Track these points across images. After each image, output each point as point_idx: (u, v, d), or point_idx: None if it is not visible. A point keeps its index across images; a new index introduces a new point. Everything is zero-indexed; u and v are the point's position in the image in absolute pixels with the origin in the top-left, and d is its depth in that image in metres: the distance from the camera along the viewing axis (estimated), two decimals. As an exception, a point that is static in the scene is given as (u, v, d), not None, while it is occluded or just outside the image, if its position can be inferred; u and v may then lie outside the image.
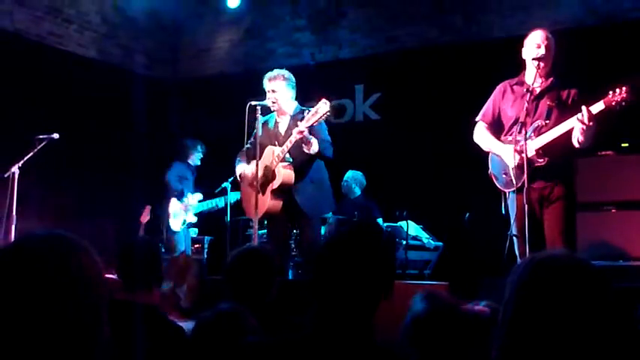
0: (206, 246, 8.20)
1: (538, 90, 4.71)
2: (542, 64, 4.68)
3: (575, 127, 4.44)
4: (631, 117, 4.88)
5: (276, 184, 5.34)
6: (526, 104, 4.58)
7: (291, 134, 5.25)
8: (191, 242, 8.00)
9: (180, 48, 10.17)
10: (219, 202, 7.54)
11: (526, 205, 4.45)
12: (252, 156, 5.47)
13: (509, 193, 4.77)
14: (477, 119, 5.02)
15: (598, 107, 4.40)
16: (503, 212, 4.78)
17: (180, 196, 7.70)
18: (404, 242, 6.80)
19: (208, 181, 7.84)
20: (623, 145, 5.86)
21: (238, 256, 3.18)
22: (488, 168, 4.92)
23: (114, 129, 8.82)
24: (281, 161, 5.32)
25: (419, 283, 5.37)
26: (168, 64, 10.13)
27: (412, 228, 6.98)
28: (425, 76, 8.24)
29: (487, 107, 4.98)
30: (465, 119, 6.63)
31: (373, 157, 7.96)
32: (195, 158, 7.98)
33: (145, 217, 8.00)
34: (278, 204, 5.39)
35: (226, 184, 7.24)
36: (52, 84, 8.21)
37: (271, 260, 3.16)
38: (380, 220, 7.36)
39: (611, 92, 4.40)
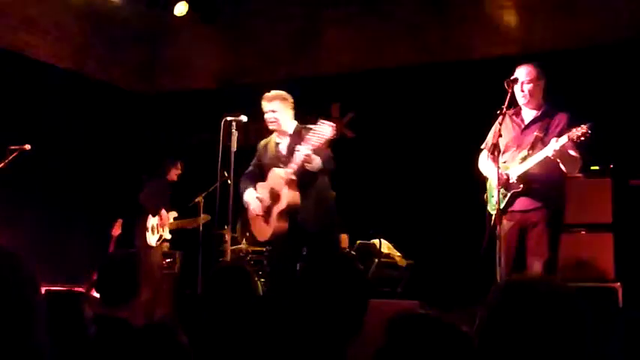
0: (179, 261, 8.17)
1: (528, 121, 5.03)
2: (528, 99, 5.00)
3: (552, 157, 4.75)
4: (598, 142, 5.01)
5: (281, 206, 5.30)
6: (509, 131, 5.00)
7: (294, 154, 5.24)
8: (163, 257, 7.97)
9: (158, 62, 10.16)
10: None
11: (501, 228, 4.78)
12: (257, 180, 5.48)
13: (494, 216, 4.96)
14: (481, 147, 5.23)
15: (562, 141, 4.70)
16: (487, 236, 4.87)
17: (155, 212, 7.69)
18: (376, 260, 6.83)
19: (182, 196, 7.84)
20: (592, 168, 5.99)
21: (216, 273, 3.18)
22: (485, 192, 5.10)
23: (88, 141, 8.78)
24: (287, 184, 5.27)
25: (390, 301, 5.40)
26: (146, 77, 10.12)
27: (384, 246, 7.02)
28: (401, 95, 8.33)
29: (489, 136, 5.19)
30: (439, 139, 6.75)
31: (347, 175, 7.99)
32: (173, 175, 7.97)
33: (117, 231, 7.98)
34: (284, 226, 5.34)
35: (201, 200, 7.24)
36: (27, 94, 8.17)
37: (249, 278, 3.16)
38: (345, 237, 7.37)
39: (574, 128, 4.68)
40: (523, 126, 5.06)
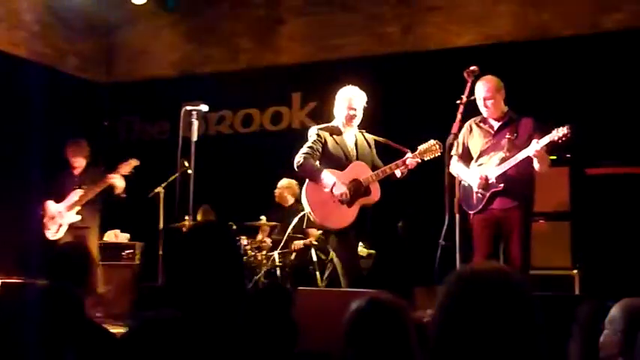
0: (139, 252, 8.09)
1: (497, 127, 5.34)
2: (492, 110, 5.30)
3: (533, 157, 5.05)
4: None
5: (371, 200, 5.50)
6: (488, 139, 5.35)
7: (362, 150, 5.60)
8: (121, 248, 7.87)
9: (115, 50, 10.03)
10: None
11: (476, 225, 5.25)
12: (335, 167, 5.47)
13: (473, 214, 5.33)
14: (451, 153, 5.38)
15: (544, 142, 4.98)
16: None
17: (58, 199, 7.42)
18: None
19: (141, 186, 7.75)
20: (550, 157, 6.07)
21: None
22: (457, 194, 5.23)
23: (43, 130, 8.63)
24: (376, 180, 5.51)
25: (353, 291, 5.41)
26: (102, 66, 9.99)
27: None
28: (362, 86, 8.33)
29: (458, 142, 5.43)
30: (399, 129, 6.76)
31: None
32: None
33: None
34: (355, 218, 5.47)
35: (160, 190, 7.17)
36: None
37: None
38: (313, 229, 7.39)
39: (555, 130, 4.95)
40: (493, 131, 5.34)
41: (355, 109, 5.63)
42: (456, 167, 5.44)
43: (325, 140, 5.54)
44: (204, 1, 9.42)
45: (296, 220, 6.87)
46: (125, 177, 7.16)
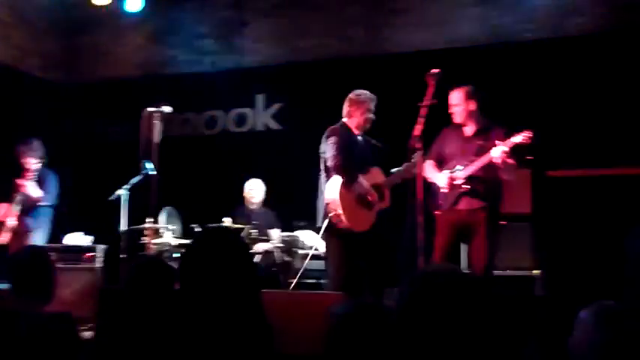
0: (100, 255, 7.99)
1: (469, 133, 5.57)
2: (461, 120, 5.55)
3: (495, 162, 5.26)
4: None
5: (385, 204, 5.70)
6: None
7: (371, 154, 5.77)
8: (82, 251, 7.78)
9: (78, 51, 9.92)
10: None
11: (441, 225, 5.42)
12: (351, 177, 5.54)
13: (439, 215, 5.53)
14: (426, 157, 5.58)
15: (506, 146, 5.19)
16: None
17: None
18: (299, 251, 6.86)
19: (103, 188, 7.66)
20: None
21: (138, 267, 3.12)
22: (421, 195, 5.23)
23: (5, 132, 8.51)
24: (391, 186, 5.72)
25: (317, 293, 5.43)
26: (65, 67, 9.86)
27: (310, 237, 7.04)
28: (327, 88, 8.34)
29: (433, 148, 5.70)
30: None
31: (273, 167, 8.00)
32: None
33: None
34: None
35: (123, 192, 7.09)
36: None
37: (170, 273, 3.11)
38: (277, 231, 7.40)
39: (516, 134, 5.17)
40: (465, 138, 5.56)
41: (372, 113, 5.79)
42: (428, 171, 5.59)
43: (350, 142, 5.63)
44: (168, 2, 9.36)
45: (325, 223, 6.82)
46: (86, 179, 7.13)
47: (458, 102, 5.52)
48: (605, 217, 6.52)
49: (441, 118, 5.59)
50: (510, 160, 5.27)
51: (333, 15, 8.61)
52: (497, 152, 5.18)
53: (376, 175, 5.73)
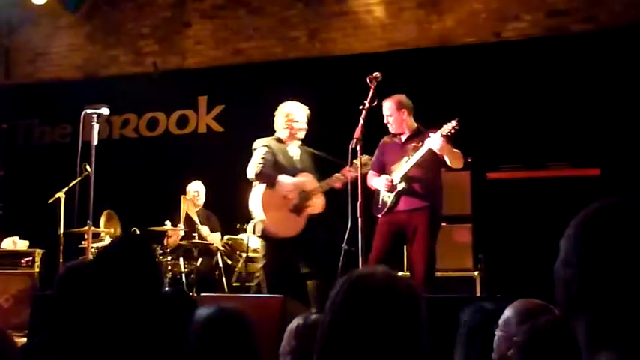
0: (38, 259, 7.85)
1: (404, 139, 5.67)
2: (394, 127, 5.66)
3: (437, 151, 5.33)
4: (457, 136, 5.42)
5: (315, 210, 5.76)
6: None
7: (304, 163, 5.88)
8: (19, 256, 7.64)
9: (15, 51, 9.71)
10: None
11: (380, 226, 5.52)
12: (270, 180, 5.70)
13: (380, 218, 5.59)
14: (369, 169, 5.73)
15: (438, 134, 5.28)
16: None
17: None
18: (244, 254, 6.84)
19: (41, 191, 7.53)
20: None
21: (69, 270, 3.07)
22: (360, 198, 5.22)
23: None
24: (321, 191, 5.77)
25: (257, 297, 5.41)
26: (2, 67, 9.65)
27: (252, 240, 7.02)
28: (268, 90, 8.34)
29: (374, 159, 5.79)
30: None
31: (215, 169, 7.96)
32: None
33: None
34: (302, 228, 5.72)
35: (61, 195, 6.97)
36: None
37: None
38: (217, 234, 7.37)
39: (444, 125, 5.26)
40: (401, 143, 5.67)
41: (298, 122, 5.89)
42: (370, 180, 5.71)
43: (274, 152, 5.77)
44: (107, 2, 9.24)
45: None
46: (22, 182, 7.01)
47: (390, 112, 5.64)
48: (544, 218, 6.64)
49: (381, 120, 5.67)
50: (450, 146, 5.37)
51: (275, 17, 8.63)
52: (435, 140, 5.25)
53: (306, 181, 5.81)
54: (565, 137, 7.20)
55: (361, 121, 5.08)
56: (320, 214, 5.81)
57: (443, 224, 5.86)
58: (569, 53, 7.41)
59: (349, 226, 4.93)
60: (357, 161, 5.33)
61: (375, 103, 5.18)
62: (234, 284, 6.93)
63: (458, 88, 7.53)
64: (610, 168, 6.76)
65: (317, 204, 5.79)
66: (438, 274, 6.01)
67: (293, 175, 5.77)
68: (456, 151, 5.42)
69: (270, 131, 5.99)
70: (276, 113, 5.98)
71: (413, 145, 5.51)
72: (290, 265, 5.74)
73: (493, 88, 7.53)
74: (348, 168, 5.55)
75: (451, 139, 5.33)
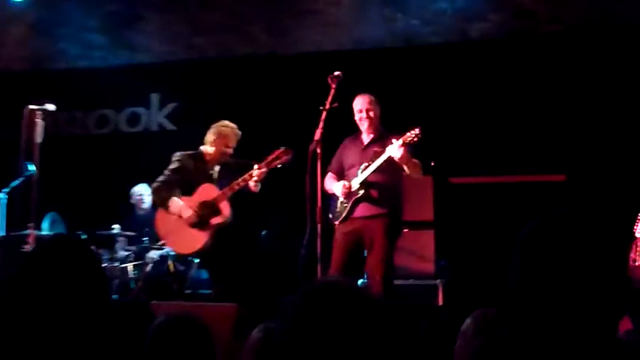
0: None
1: (367, 142, 5.62)
2: (370, 122, 5.57)
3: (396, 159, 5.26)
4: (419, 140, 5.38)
5: (221, 219, 5.75)
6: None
7: (224, 177, 5.89)
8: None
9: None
10: None
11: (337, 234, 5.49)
12: (176, 189, 5.80)
13: (337, 224, 5.55)
14: (327, 170, 5.70)
15: (398, 143, 5.21)
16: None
17: None
18: (196, 260, 6.77)
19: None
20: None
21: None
22: (319, 203, 5.31)
23: None
24: (225, 199, 5.76)
25: (210, 305, 5.37)
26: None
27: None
28: (225, 88, 8.30)
29: (333, 160, 5.78)
30: (263, 134, 6.77)
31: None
32: None
33: None
34: (210, 240, 5.75)
35: (1, 196, 6.84)
36: None
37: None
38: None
39: (408, 133, 5.20)
40: (363, 146, 5.63)
41: (230, 149, 5.96)
42: (328, 183, 5.66)
43: (185, 166, 5.83)
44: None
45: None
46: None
47: (371, 106, 5.58)
48: (508, 224, 6.68)
49: (342, 122, 5.65)
50: (410, 156, 5.36)
51: (233, 12, 8.55)
52: (395, 148, 5.21)
53: (207, 192, 5.83)
54: (530, 142, 7.30)
55: (321, 123, 5.09)
56: (229, 222, 5.81)
57: (404, 230, 5.87)
58: (535, 55, 7.49)
59: (307, 232, 4.91)
60: (277, 157, 5.53)
61: (335, 105, 5.18)
62: (186, 291, 6.85)
63: (422, 89, 7.58)
64: (576, 174, 6.87)
65: (222, 212, 5.79)
66: (399, 282, 6.03)
67: (190, 188, 5.85)
68: (415, 161, 5.42)
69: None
70: (212, 128, 6.03)
71: (374, 149, 5.48)
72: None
73: (458, 90, 7.60)
74: (255, 167, 5.64)
75: (412, 148, 5.33)
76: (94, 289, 1.90)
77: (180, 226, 5.71)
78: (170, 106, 8.73)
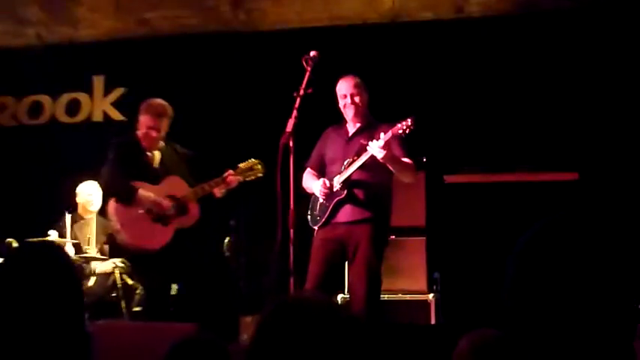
0: None
1: (352, 132, 5.63)
2: (356, 109, 5.58)
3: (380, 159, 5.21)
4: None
5: (189, 221, 5.92)
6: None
7: (169, 166, 6.01)
8: None
9: None
10: None
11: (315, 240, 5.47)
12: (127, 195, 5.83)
13: (316, 230, 5.56)
14: (305, 165, 5.75)
15: (385, 137, 5.14)
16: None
17: None
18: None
19: None
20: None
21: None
22: (292, 204, 5.24)
23: None
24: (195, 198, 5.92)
25: (162, 325, 5.35)
26: None
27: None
28: (182, 68, 8.29)
29: (313, 153, 5.80)
30: (226, 119, 6.79)
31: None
32: None
33: None
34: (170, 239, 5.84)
35: None
36: None
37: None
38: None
39: (398, 123, 5.16)
40: (347, 137, 5.64)
41: (159, 130, 6.01)
42: (306, 181, 5.70)
43: (129, 153, 5.91)
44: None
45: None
46: None
47: (357, 90, 5.58)
48: (511, 230, 6.72)
49: (319, 110, 5.66)
50: (407, 160, 5.37)
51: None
52: (375, 148, 5.16)
53: (174, 185, 5.96)
54: (538, 134, 7.34)
55: (294, 112, 5.06)
56: (191, 225, 5.95)
57: (392, 237, 5.87)
58: (542, 33, 7.53)
59: (278, 239, 4.90)
60: (251, 168, 5.71)
61: (310, 90, 5.17)
62: (134, 309, 6.85)
63: (412, 72, 7.59)
64: (590, 171, 6.88)
65: (190, 212, 5.93)
66: (386, 297, 6.06)
67: (153, 183, 5.92)
68: (406, 161, 5.40)
69: (183, 118, 6.04)
70: (141, 108, 6.10)
71: (361, 141, 5.42)
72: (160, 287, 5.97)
73: (453, 74, 7.62)
74: (231, 171, 5.80)
75: (404, 143, 5.34)
76: (68, 295, 1.97)
77: (142, 218, 5.79)
78: (117, 92, 8.70)
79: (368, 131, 5.49)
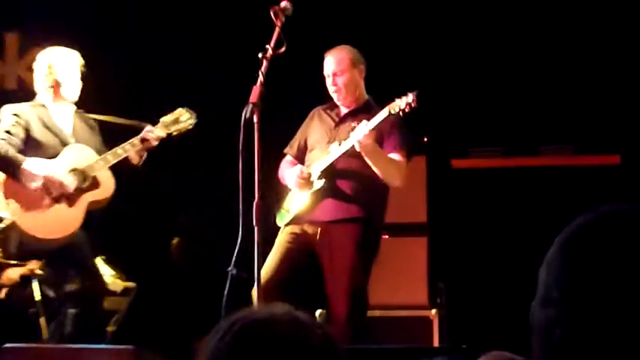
0: None
1: (344, 113, 5.68)
2: (343, 92, 5.60)
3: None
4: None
5: (102, 195, 5.81)
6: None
7: (80, 135, 5.92)
8: None
9: None
10: None
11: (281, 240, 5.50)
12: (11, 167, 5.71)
13: (283, 228, 5.60)
14: (284, 151, 5.84)
15: (378, 118, 5.24)
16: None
17: None
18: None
19: None
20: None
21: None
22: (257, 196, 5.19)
23: None
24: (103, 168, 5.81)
25: (88, 348, 5.31)
26: None
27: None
28: (117, 23, 8.15)
29: (295, 137, 5.86)
30: (172, 88, 6.70)
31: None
32: None
33: None
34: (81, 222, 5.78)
35: None
36: None
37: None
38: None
39: (397, 99, 5.20)
40: (337, 119, 5.70)
41: (66, 76, 5.95)
42: (282, 169, 5.75)
43: (28, 123, 5.81)
44: None
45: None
46: None
47: (341, 67, 5.58)
48: (535, 227, 6.69)
49: (293, 74, 5.57)
50: (398, 157, 5.38)
51: None
52: (359, 133, 5.17)
53: (78, 155, 5.87)
54: (568, 109, 7.29)
55: (260, 78, 4.94)
56: (107, 201, 5.87)
57: (384, 236, 5.85)
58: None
59: (239, 238, 4.81)
60: (177, 119, 5.70)
61: (282, 50, 5.04)
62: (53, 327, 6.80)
63: (412, 36, 7.50)
64: (635, 154, 6.86)
65: (102, 185, 5.82)
66: (377, 313, 6.09)
67: (60, 150, 5.84)
68: (395, 157, 5.40)
69: (122, 85, 5.95)
70: (34, 66, 6.07)
71: (353, 125, 5.37)
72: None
73: (462, 37, 7.55)
74: (148, 128, 5.70)
75: (402, 128, 5.38)
76: None
77: (39, 199, 5.67)
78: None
79: (363, 114, 5.47)
